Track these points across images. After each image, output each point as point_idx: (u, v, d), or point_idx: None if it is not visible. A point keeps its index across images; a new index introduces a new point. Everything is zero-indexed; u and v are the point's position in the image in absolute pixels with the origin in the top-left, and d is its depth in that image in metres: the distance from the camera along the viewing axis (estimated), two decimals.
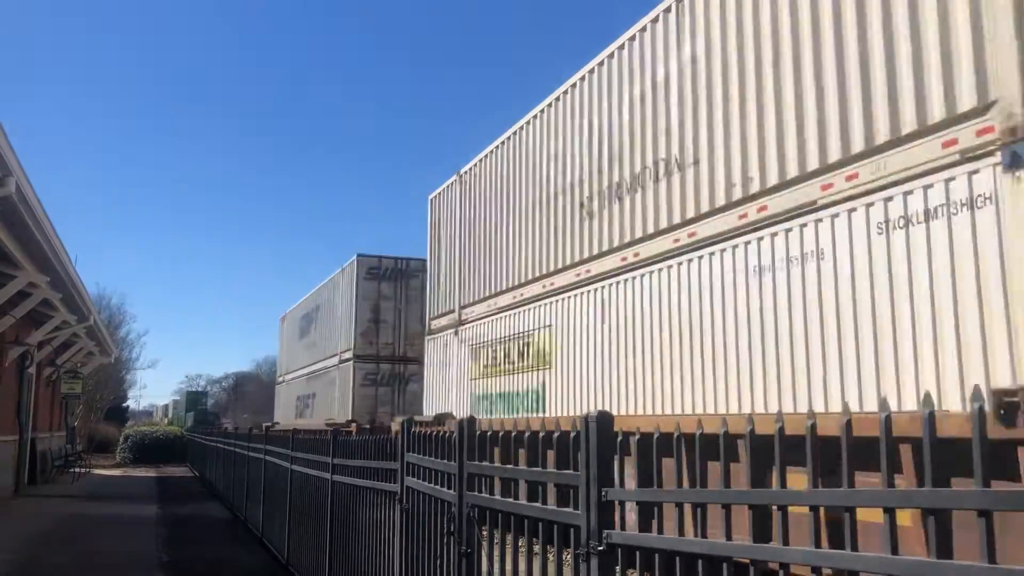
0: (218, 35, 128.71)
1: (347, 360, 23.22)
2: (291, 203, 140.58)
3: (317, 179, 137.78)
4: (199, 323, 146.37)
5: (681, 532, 2.68)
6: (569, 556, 3.16)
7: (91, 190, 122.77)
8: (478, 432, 4.15)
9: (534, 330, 12.16)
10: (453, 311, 15.71)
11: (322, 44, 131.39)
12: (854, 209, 6.77)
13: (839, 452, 2.12)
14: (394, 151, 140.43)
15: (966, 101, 5.90)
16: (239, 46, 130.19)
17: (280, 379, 35.66)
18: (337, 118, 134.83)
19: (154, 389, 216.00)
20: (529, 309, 12.42)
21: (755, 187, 7.94)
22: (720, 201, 8.42)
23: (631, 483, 3.00)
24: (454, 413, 14.43)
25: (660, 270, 9.32)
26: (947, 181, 5.99)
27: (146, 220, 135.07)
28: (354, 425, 20.79)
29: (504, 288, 13.52)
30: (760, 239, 7.76)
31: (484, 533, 4.01)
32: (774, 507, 2.28)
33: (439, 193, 17.13)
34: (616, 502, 2.95)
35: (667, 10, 9.57)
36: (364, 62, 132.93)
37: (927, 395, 1.99)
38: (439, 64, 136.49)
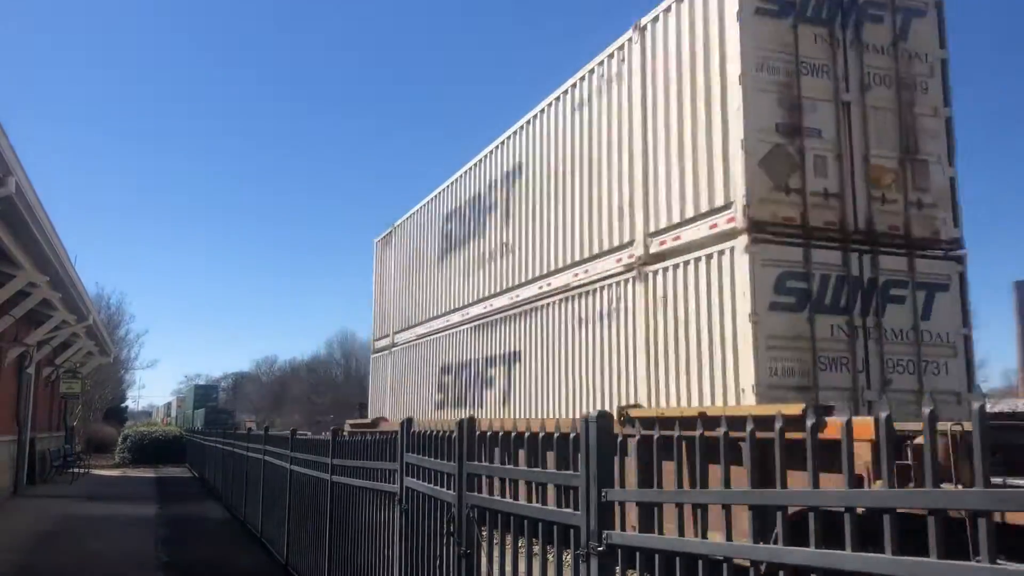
0: (211, 34, 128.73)
1: (711, 241, 8.89)
2: (291, 200, 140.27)
3: (318, 174, 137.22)
4: (198, 323, 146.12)
5: (681, 533, 2.68)
6: (569, 556, 3.17)
7: (91, 189, 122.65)
8: (477, 432, 4.17)
9: None
10: None
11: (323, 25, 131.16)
12: None
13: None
14: (394, 142, 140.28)
15: None
16: (236, 45, 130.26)
17: (384, 342, 20.90)
18: (335, 100, 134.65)
19: (153, 389, 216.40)
20: None
21: None
22: None
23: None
24: None
25: None
26: None
27: (146, 220, 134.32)
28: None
29: None
30: None
31: (484, 533, 4.01)
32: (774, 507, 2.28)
33: None
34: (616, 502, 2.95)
35: None
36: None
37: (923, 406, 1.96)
38: None
